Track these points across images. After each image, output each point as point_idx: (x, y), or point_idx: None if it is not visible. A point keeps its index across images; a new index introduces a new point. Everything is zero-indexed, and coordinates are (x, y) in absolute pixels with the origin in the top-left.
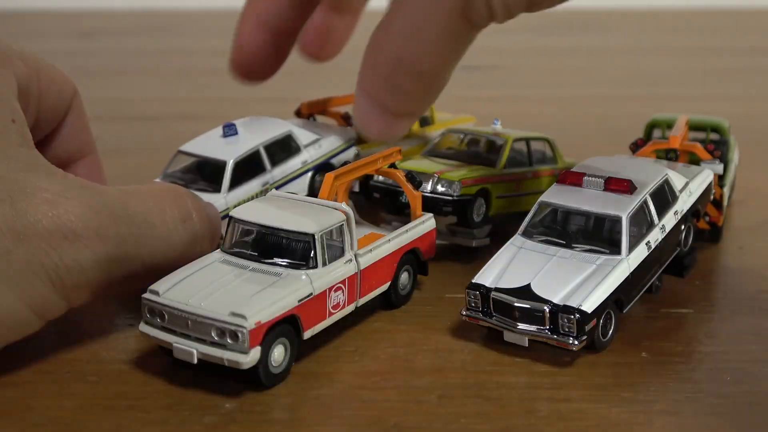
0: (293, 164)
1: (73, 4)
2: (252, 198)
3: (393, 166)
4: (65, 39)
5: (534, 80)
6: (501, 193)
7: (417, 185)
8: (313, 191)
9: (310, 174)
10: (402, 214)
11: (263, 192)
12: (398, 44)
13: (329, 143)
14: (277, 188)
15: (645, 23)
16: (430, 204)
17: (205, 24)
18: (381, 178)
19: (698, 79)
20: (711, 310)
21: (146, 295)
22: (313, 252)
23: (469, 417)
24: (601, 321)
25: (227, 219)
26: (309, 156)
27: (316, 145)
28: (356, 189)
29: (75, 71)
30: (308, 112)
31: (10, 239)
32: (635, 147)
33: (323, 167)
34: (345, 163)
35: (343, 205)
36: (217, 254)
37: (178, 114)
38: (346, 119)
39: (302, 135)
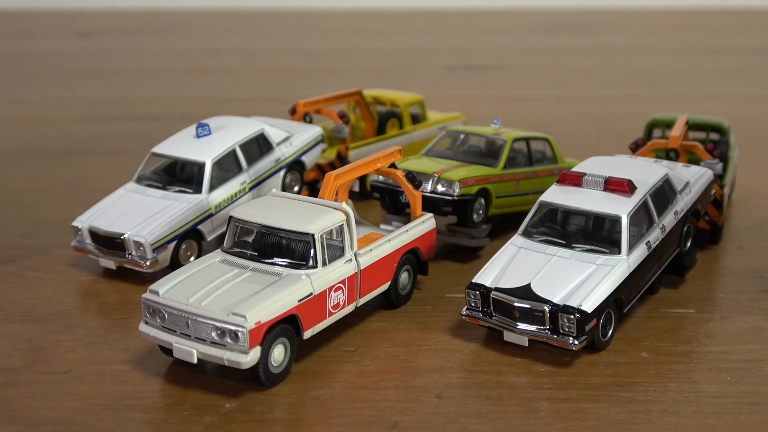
0: (267, 162)
1: (73, 4)
2: (232, 197)
3: (393, 165)
4: (65, 39)
5: (534, 80)
6: (501, 193)
7: (417, 185)
8: (284, 189)
9: (282, 172)
10: (402, 214)
11: (241, 191)
12: None
13: (299, 141)
14: (252, 187)
15: (645, 23)
16: (430, 204)
17: (205, 24)
18: (381, 177)
19: (698, 79)
20: (711, 310)
21: (146, 295)
22: (313, 252)
23: (468, 417)
24: (601, 321)
25: (228, 219)
26: (281, 154)
27: (287, 142)
28: (356, 188)
29: (75, 71)
30: (304, 111)
31: None
32: (635, 147)
33: (294, 165)
34: (345, 162)
35: (344, 205)
36: (217, 254)
37: (178, 114)
38: (342, 117)
39: (273, 133)
